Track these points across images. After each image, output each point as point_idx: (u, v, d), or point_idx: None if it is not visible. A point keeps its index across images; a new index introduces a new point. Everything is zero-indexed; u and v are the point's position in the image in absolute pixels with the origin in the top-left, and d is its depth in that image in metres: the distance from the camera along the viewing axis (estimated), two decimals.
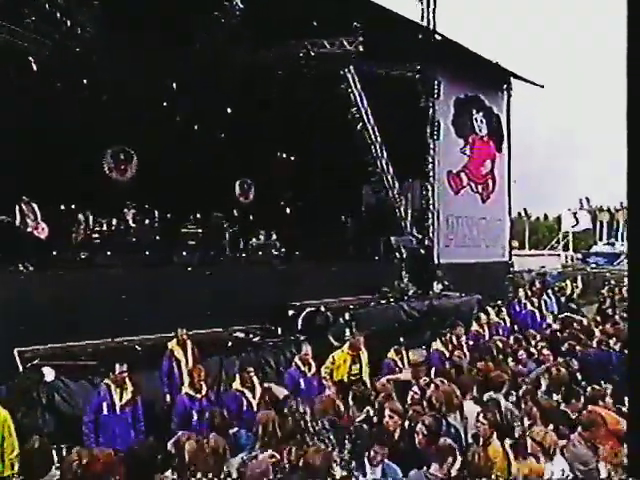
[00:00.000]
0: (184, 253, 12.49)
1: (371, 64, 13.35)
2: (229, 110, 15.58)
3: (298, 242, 16.47)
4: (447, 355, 8.15)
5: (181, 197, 14.40)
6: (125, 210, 13.32)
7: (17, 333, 8.48)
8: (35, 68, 10.66)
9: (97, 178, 13.67)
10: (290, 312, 10.70)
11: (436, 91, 14.73)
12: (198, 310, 10.27)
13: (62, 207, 11.47)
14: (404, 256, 14.01)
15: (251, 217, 17.39)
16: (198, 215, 14.61)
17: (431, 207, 15.76)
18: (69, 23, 11.22)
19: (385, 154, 14.67)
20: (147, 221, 13.60)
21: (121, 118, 13.63)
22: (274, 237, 16.46)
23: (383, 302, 12.26)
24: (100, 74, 12.94)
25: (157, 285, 10.47)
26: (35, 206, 9.78)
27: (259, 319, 11.21)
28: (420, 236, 15.00)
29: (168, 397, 6.85)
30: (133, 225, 13.27)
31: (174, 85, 14.30)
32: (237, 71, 13.79)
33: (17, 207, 9.55)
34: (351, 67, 13.25)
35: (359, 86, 13.49)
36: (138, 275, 10.30)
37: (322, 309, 10.26)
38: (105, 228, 12.54)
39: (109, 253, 11.26)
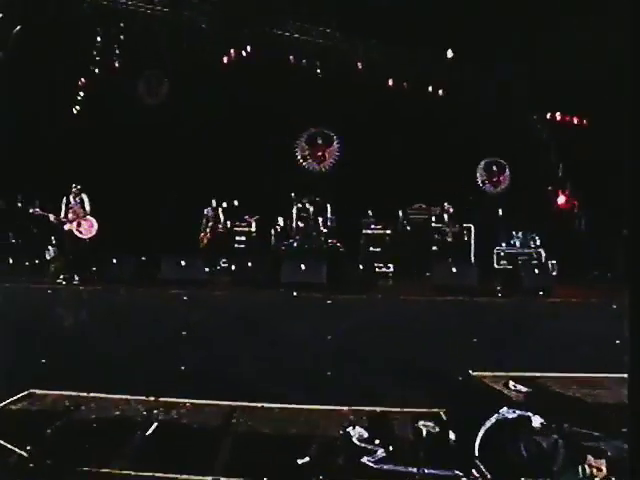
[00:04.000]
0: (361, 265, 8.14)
1: None
2: (450, 53, 10.34)
3: (574, 251, 9.92)
4: None
5: (374, 187, 10.12)
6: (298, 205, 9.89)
7: (36, 370, 5.86)
8: None
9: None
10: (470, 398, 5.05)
11: None
12: (316, 365, 5.83)
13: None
14: None
15: (500, 211, 11.58)
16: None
17: None
18: None
19: None
20: (320, 219, 9.82)
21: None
22: (537, 242, 10.44)
23: None
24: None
25: (266, 316, 6.40)
26: (85, 198, 7.17)
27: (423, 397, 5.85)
28: None
29: None
30: (299, 225, 9.71)
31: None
32: None
33: (64, 199, 7.19)
34: None
35: None
36: (236, 298, 6.41)
37: (535, 419, 4.11)
38: (253, 229, 9.39)
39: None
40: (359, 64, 10.11)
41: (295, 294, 5.88)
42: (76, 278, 6.63)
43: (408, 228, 9.50)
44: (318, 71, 10.42)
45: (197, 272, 6.32)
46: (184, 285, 6.24)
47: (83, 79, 10.69)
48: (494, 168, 12.54)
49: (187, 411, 5.54)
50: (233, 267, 7.38)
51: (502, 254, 10.41)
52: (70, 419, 5.26)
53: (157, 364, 5.86)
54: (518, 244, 10.65)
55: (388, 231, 9.30)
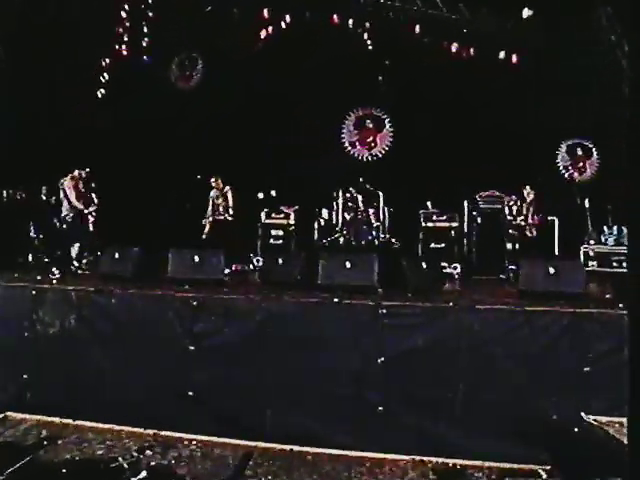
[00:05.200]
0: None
1: None
2: (527, 12, 8.43)
3: None
4: None
5: (434, 172, 8.53)
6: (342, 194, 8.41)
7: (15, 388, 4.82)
8: None
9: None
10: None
11: None
12: (363, 398, 4.45)
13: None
14: None
15: (586, 202, 9.60)
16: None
17: None
18: None
19: None
20: (371, 211, 8.28)
21: None
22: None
23: None
24: None
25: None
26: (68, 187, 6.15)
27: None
28: None
29: None
30: (346, 217, 8.21)
31: None
32: None
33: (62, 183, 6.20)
34: None
35: None
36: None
37: None
38: (292, 221, 7.99)
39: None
40: (417, 28, 8.53)
41: (337, 300, 4.41)
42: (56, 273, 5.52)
43: (478, 220, 7.81)
44: (366, 37, 8.94)
45: (212, 270, 4.97)
46: (196, 286, 4.91)
47: (106, 60, 9.74)
48: (579, 151, 10.58)
49: (191, 452, 4.21)
50: (260, 264, 6.07)
51: (591, 253, 8.54)
52: (40, 459, 4.04)
53: (158, 387, 4.58)
54: (611, 241, 8.74)
55: (454, 224, 7.66)
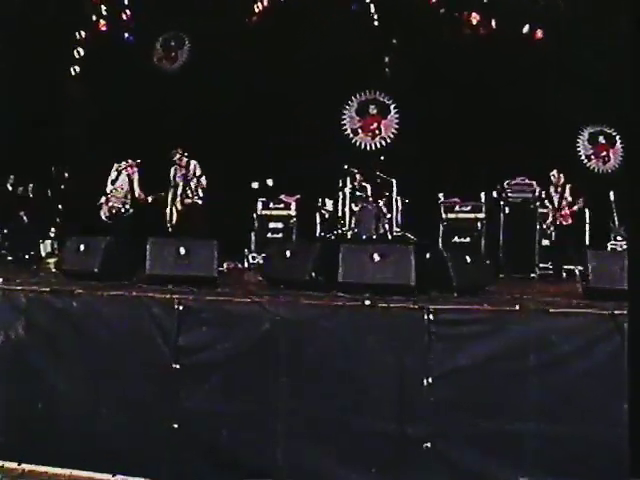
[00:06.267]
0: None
1: None
2: None
3: None
4: None
5: (455, 158, 7.62)
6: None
7: None
8: None
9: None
10: None
11: None
12: (404, 431, 3.40)
13: None
14: None
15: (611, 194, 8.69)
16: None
17: None
18: None
19: None
20: (381, 201, 7.26)
21: None
22: None
23: None
24: None
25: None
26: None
27: None
28: None
29: None
30: (353, 208, 7.19)
31: None
32: None
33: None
34: None
35: None
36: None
37: None
38: (293, 212, 6.95)
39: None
40: None
41: (368, 302, 3.38)
42: None
43: (506, 210, 6.83)
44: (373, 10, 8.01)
45: (203, 265, 3.94)
46: (182, 285, 3.87)
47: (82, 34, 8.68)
48: (601, 139, 9.70)
49: None
50: (258, 260, 5.07)
51: (619, 250, 7.68)
52: None
53: (132, 418, 3.52)
54: None
55: (480, 215, 6.71)
